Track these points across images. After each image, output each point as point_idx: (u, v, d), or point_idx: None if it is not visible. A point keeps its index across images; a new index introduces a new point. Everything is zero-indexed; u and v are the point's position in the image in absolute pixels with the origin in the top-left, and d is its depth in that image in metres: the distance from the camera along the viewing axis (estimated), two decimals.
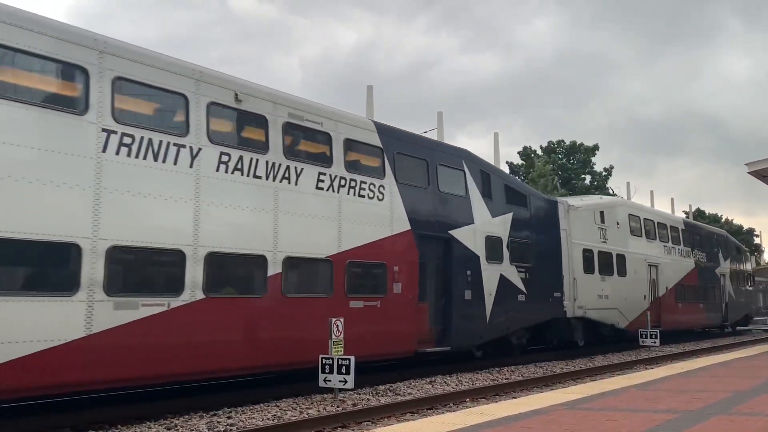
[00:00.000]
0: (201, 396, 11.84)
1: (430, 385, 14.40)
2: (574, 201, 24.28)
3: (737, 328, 39.55)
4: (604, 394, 10.55)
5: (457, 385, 14.71)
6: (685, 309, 30.45)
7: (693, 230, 33.48)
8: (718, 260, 35.12)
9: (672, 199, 61.94)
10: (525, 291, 18.91)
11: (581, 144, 45.50)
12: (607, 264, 24.06)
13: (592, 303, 22.74)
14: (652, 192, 57.43)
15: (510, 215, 18.80)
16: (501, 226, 18.32)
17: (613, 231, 24.89)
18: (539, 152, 45.51)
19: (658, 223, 29.38)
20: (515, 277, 18.64)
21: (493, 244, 17.90)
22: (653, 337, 24.31)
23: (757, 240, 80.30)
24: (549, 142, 45.89)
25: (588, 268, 22.79)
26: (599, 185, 44.72)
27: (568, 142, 45.77)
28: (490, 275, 17.58)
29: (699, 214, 69.67)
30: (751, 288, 41.85)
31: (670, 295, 28.83)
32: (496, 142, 37.75)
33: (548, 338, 21.96)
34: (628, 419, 8.07)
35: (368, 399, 12.39)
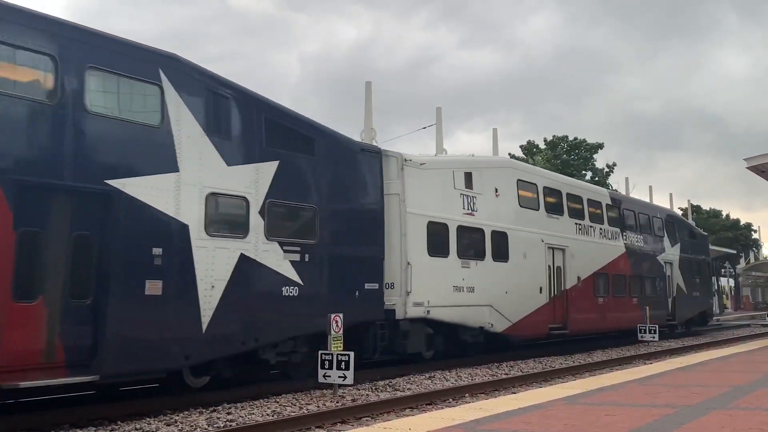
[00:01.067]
0: (200, 392, 11.85)
1: (429, 381, 14.42)
2: (423, 156, 17.73)
3: (693, 329, 32.77)
4: (603, 389, 10.57)
5: (456, 380, 14.73)
6: (609, 305, 24.04)
7: (624, 207, 26.76)
8: (662, 245, 28.80)
9: (671, 194, 62.05)
10: (299, 282, 12.75)
11: (584, 140, 45.51)
12: (473, 244, 17.89)
13: (443, 298, 16.46)
14: (650, 187, 57.47)
15: (273, 165, 12.64)
16: (248, 179, 12.19)
17: (488, 200, 18.63)
18: (542, 147, 45.50)
19: (568, 194, 22.81)
20: (278, 261, 12.50)
21: (225, 206, 11.97)
22: (652, 332, 24.32)
23: (755, 235, 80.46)
24: (554, 136, 45.89)
25: (436, 249, 16.48)
26: (601, 182, 44.73)
27: (571, 138, 45.78)
28: (217, 257, 11.47)
29: (697, 209, 69.78)
30: (710, 280, 36.18)
31: (585, 287, 22.67)
32: (495, 138, 37.78)
33: (368, 349, 14.92)
34: (626, 414, 8.09)
35: (367, 395, 12.41)
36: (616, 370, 15.37)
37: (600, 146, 45.36)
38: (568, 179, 26.10)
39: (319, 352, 11.91)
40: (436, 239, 16.60)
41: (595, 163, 45.64)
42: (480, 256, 18.10)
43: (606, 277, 24.12)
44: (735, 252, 66.93)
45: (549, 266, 21.03)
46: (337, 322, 12.04)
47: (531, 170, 23.03)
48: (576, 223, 22.80)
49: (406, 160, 16.23)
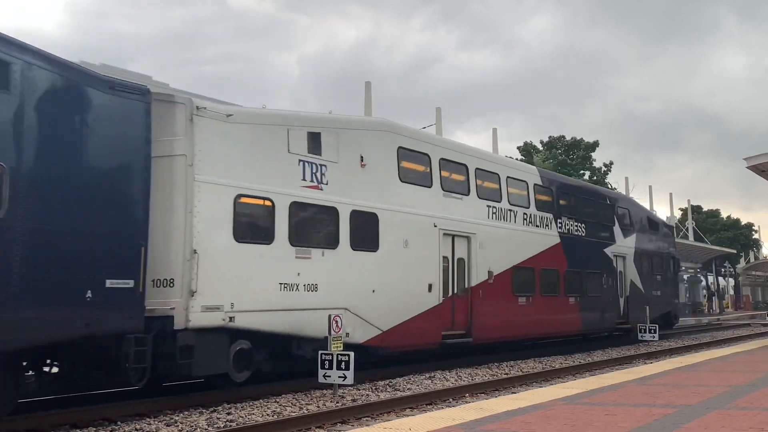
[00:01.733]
0: (200, 392, 11.86)
1: (430, 381, 14.43)
2: (236, 107, 13.63)
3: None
4: (603, 388, 10.58)
5: (456, 380, 14.74)
6: (534, 307, 19.56)
7: (560, 189, 22.36)
8: (612, 235, 24.41)
9: (671, 194, 62.14)
10: None
11: (581, 139, 45.52)
12: (318, 228, 13.81)
13: (261, 300, 12.18)
14: (650, 187, 57.57)
15: None
16: None
17: (348, 171, 14.33)
18: (540, 147, 45.53)
19: (479, 170, 18.22)
20: None
21: None
22: (652, 331, 24.32)
23: (755, 235, 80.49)
24: (550, 137, 45.93)
25: (251, 233, 12.36)
26: (599, 181, 44.74)
27: (568, 138, 45.79)
28: None
29: (697, 209, 69.79)
30: (675, 277, 31.08)
31: (500, 284, 18.14)
32: (495, 138, 37.84)
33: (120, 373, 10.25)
34: (627, 414, 8.09)
35: (368, 395, 12.41)
36: (616, 370, 15.37)
37: (596, 144, 45.35)
38: (481, 151, 20.39)
39: (320, 352, 11.89)
40: (251, 220, 12.47)
41: (594, 162, 45.62)
42: (331, 243, 13.69)
43: (531, 273, 19.69)
44: (735, 252, 66.93)
45: (445, 258, 16.48)
46: (336, 322, 12.04)
47: (422, 137, 17.38)
48: (489, 206, 18.32)
49: (199, 108, 11.64)
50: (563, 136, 46.26)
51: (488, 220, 18.29)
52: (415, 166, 16.35)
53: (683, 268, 49.12)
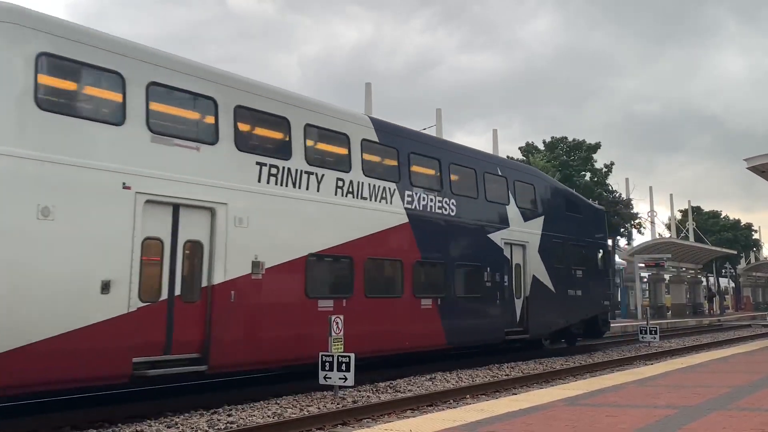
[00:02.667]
0: (201, 394, 11.86)
1: (431, 382, 14.42)
2: None
3: (577, 341, 23.15)
4: (604, 390, 10.57)
5: (457, 381, 14.73)
6: (351, 314, 13.22)
7: (410, 148, 16.13)
8: (504, 217, 18.72)
9: (671, 195, 62.13)
10: None
11: (583, 140, 45.53)
12: None
13: None
14: (651, 188, 57.54)
15: None
16: None
17: None
18: (541, 148, 45.53)
19: (243, 108, 12.45)
20: None
21: None
22: (652, 333, 24.30)
23: (755, 235, 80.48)
24: (552, 138, 45.93)
25: None
26: (600, 182, 44.73)
27: (570, 139, 45.80)
28: None
29: (697, 210, 69.80)
30: (606, 273, 24.25)
31: (277, 282, 12.39)
32: (495, 139, 37.83)
33: None
34: (627, 415, 8.09)
35: (368, 396, 12.41)
36: (617, 371, 15.36)
37: (598, 146, 45.34)
38: (248, 80, 13.08)
39: (320, 354, 11.90)
40: None
41: (595, 163, 45.62)
42: None
43: (347, 265, 13.99)
44: (735, 252, 66.91)
45: (153, 240, 10.79)
46: (337, 324, 12.04)
47: (97, 35, 10.71)
48: (261, 164, 12.43)
49: None
50: (565, 137, 46.24)
51: (258, 185, 12.33)
52: (82, 86, 10.64)
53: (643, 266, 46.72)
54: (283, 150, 12.94)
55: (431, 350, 16.51)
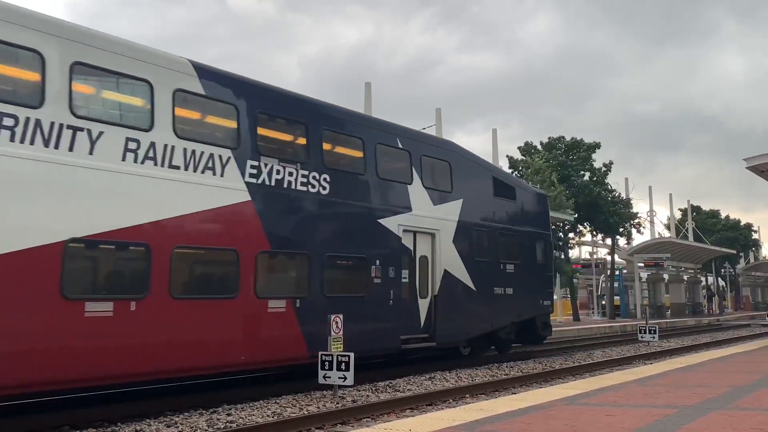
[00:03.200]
0: (201, 393, 11.85)
1: (430, 382, 14.41)
2: None
3: (512, 345, 20.27)
4: (603, 389, 10.57)
5: (456, 381, 14.73)
6: (147, 319, 10.29)
7: (254, 103, 12.71)
8: (404, 198, 15.48)
9: (670, 194, 62.17)
10: None
11: (581, 140, 45.49)
12: None
13: None
14: (650, 188, 57.57)
15: None
16: None
17: None
18: (539, 148, 45.49)
19: None
20: None
21: None
22: (652, 332, 24.31)
23: (755, 235, 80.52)
24: (549, 138, 45.90)
25: None
26: (599, 181, 44.69)
27: (568, 139, 45.74)
28: None
29: (697, 209, 69.82)
30: (545, 269, 20.52)
31: (5, 271, 8.91)
32: (495, 138, 37.85)
33: None
34: (627, 414, 8.09)
35: (368, 395, 12.40)
36: (617, 371, 15.36)
37: (597, 146, 45.33)
38: None
39: (320, 353, 11.90)
40: None
41: (594, 163, 45.59)
42: None
43: (140, 254, 10.55)
44: (735, 252, 66.93)
45: None
46: (337, 323, 12.05)
47: None
48: None
49: None
50: (563, 137, 46.21)
51: None
52: None
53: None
54: (28, 94, 9.59)
55: (288, 364, 13.07)
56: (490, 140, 37.64)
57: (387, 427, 7.77)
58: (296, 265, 13.15)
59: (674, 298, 56.14)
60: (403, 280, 15.20)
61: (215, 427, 9.65)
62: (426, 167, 16.29)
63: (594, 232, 47.92)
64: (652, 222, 56.26)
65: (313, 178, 13.28)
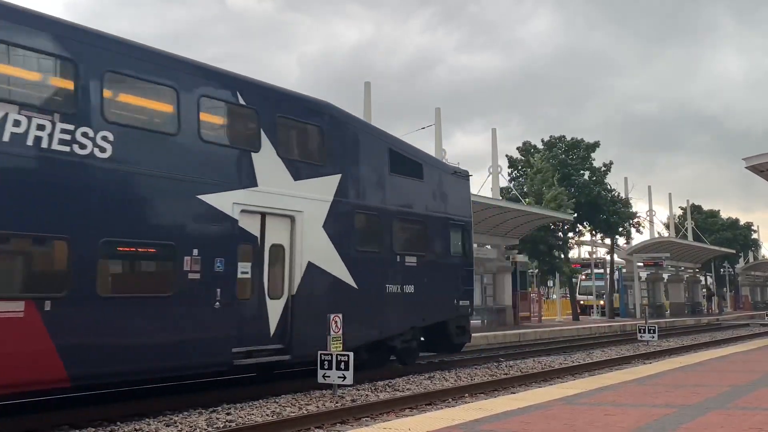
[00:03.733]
0: (200, 393, 11.86)
1: (429, 381, 14.42)
2: None
3: (416, 358, 16.59)
4: (602, 389, 10.57)
5: (455, 380, 14.73)
6: None
7: None
8: (248, 169, 12.11)
9: (670, 194, 62.16)
10: None
11: (582, 139, 45.51)
12: None
13: None
14: (649, 187, 57.56)
15: None
16: None
17: None
18: (540, 147, 45.51)
19: None
20: None
21: None
22: (651, 332, 24.32)
23: (754, 235, 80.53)
24: (550, 136, 45.91)
25: None
26: (599, 181, 44.71)
27: (568, 138, 45.76)
28: None
29: (697, 209, 69.84)
30: (459, 263, 16.99)
31: None
32: (494, 138, 37.82)
33: None
34: (626, 414, 8.09)
35: (367, 395, 12.41)
36: (616, 370, 15.37)
37: (597, 145, 45.35)
38: None
39: (319, 352, 11.90)
40: None
41: (593, 162, 45.61)
42: None
43: None
44: (734, 252, 66.95)
45: None
46: (336, 322, 12.05)
47: None
48: None
49: None
50: (563, 136, 46.23)
51: None
52: None
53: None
54: None
55: (38, 390, 9.77)
56: (490, 140, 37.54)
57: (386, 427, 7.77)
58: (40, 257, 9.78)
59: (673, 297, 56.18)
60: (240, 276, 11.71)
61: (214, 426, 9.65)
62: (284, 131, 12.84)
63: (593, 232, 47.95)
64: (651, 222, 56.26)
65: (84, 135, 9.77)
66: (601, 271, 52.61)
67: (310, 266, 12.87)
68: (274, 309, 12.31)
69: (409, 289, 15.19)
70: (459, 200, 17.54)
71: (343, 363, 11.65)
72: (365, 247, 14.29)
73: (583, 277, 46.60)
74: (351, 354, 11.73)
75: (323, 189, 13.41)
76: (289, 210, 12.66)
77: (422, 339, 16.59)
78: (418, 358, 16.85)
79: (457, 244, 17.14)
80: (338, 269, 13.48)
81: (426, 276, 15.70)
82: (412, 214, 15.74)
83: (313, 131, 13.69)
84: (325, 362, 11.77)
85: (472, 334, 22.91)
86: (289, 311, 12.43)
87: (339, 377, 11.68)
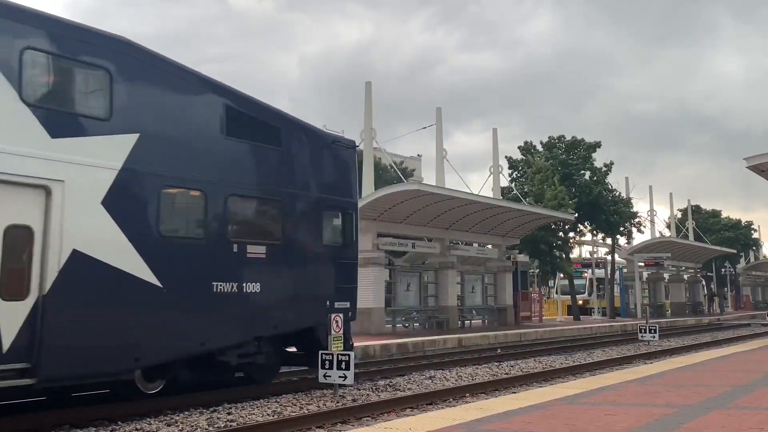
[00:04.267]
0: (201, 392, 11.86)
1: (430, 381, 14.42)
2: None
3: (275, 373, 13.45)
4: (604, 388, 10.57)
5: (456, 380, 14.73)
6: None
7: None
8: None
9: (671, 194, 62.13)
10: None
11: (582, 139, 45.47)
12: None
13: None
14: (651, 187, 57.51)
15: None
16: None
17: None
18: (539, 147, 45.48)
19: None
20: None
21: None
22: (652, 332, 24.30)
23: (755, 234, 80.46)
24: (549, 137, 45.86)
25: None
26: (599, 180, 44.67)
27: (569, 138, 45.71)
28: None
29: (697, 209, 69.79)
30: (335, 253, 13.51)
31: None
32: (495, 138, 37.82)
33: None
34: (627, 414, 8.09)
35: (368, 395, 12.41)
36: (617, 370, 15.36)
37: (598, 145, 45.30)
38: None
39: (320, 352, 11.90)
40: None
41: (594, 162, 45.56)
42: None
43: None
44: (735, 252, 66.88)
45: None
46: (337, 322, 12.05)
47: None
48: None
49: None
50: (563, 136, 46.18)
51: None
52: None
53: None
54: None
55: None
56: (490, 139, 37.54)
57: (387, 426, 7.77)
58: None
59: (674, 297, 56.11)
60: None
61: (215, 426, 9.66)
62: (37, 69, 9.60)
63: (594, 232, 47.90)
64: (652, 221, 56.23)
65: None
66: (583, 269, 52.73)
67: (76, 256, 9.41)
68: (12, 314, 8.84)
69: (253, 287, 11.76)
70: (338, 176, 14.02)
71: (344, 363, 11.65)
72: (178, 233, 11.06)
73: (561, 276, 46.15)
74: (352, 353, 11.74)
75: (105, 152, 9.93)
76: (42, 178, 9.21)
77: (292, 349, 13.46)
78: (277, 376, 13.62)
79: (335, 230, 13.78)
80: (127, 261, 9.99)
81: (280, 271, 12.37)
82: (260, 190, 12.27)
83: (96, 75, 10.19)
84: (326, 362, 11.77)
85: (472, 334, 22.91)
86: (39, 317, 9.01)
87: (340, 377, 11.68)
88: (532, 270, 45.05)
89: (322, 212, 13.45)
